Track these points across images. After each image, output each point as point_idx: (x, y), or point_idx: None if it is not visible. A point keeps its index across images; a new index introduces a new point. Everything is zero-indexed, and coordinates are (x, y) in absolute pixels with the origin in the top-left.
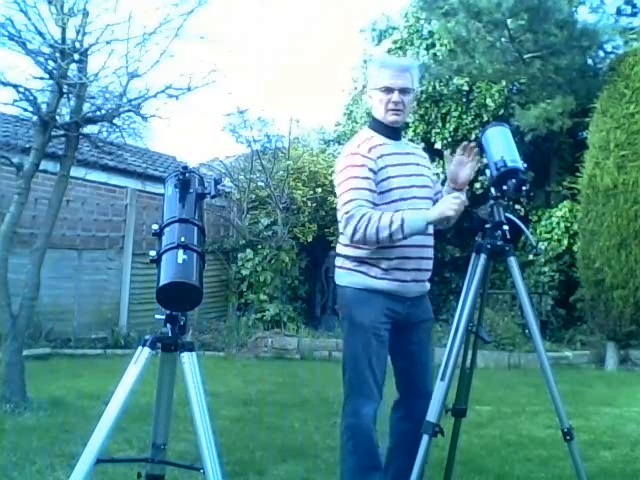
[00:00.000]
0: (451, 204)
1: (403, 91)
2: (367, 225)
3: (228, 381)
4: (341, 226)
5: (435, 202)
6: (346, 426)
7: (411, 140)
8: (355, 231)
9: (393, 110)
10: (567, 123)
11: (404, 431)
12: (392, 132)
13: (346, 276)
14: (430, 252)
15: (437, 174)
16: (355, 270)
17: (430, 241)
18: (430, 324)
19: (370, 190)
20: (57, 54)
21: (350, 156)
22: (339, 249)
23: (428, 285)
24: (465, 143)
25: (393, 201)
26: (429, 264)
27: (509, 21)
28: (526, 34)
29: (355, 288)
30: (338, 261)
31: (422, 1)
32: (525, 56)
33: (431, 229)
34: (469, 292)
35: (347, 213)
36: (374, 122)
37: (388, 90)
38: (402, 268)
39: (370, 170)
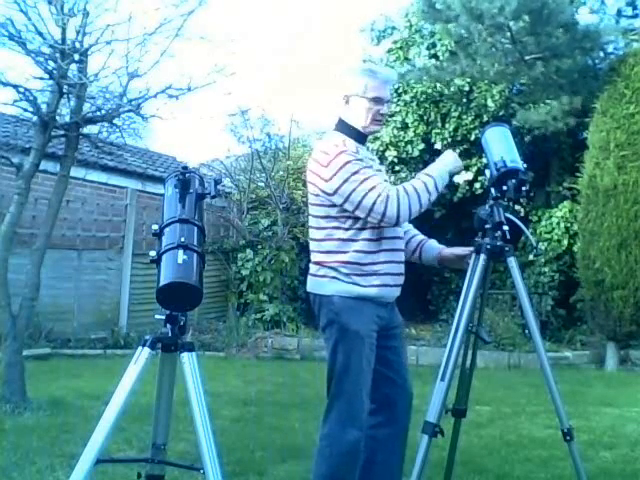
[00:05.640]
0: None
1: (388, 103)
2: (408, 197)
3: (228, 381)
4: (375, 214)
5: None
6: (328, 434)
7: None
8: (399, 208)
9: (379, 121)
10: (570, 122)
11: (383, 437)
12: (363, 138)
13: (330, 285)
14: (404, 257)
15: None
16: (342, 280)
17: (403, 245)
18: (402, 329)
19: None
20: (57, 54)
21: (342, 155)
22: (319, 258)
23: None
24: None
25: None
26: (404, 268)
27: (511, 23)
28: (528, 36)
29: (343, 296)
30: (319, 271)
31: (422, 11)
32: (527, 57)
33: (402, 233)
34: (469, 292)
35: (379, 197)
36: (345, 127)
37: (378, 101)
38: (390, 272)
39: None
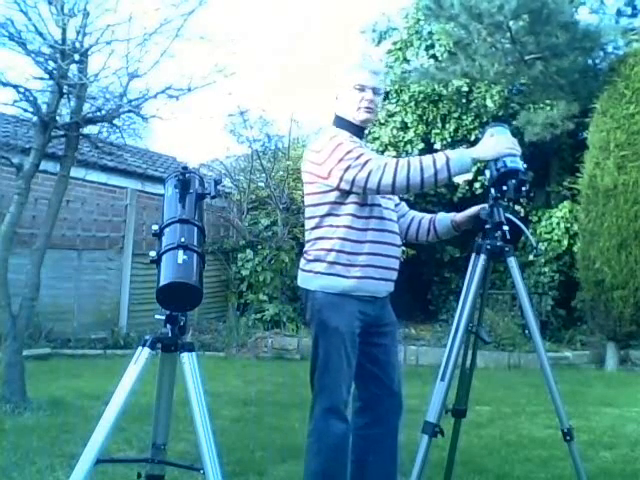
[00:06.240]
0: (508, 143)
1: (375, 91)
2: (408, 169)
3: (228, 381)
4: (371, 184)
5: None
6: (314, 429)
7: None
8: (395, 175)
9: (366, 108)
10: (569, 126)
11: (373, 437)
12: (358, 131)
13: (315, 280)
14: (398, 252)
15: None
16: (327, 273)
17: (399, 241)
18: (396, 327)
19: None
20: (57, 54)
21: (334, 139)
22: (307, 247)
23: (393, 286)
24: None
25: (375, 204)
26: (396, 263)
27: (511, 22)
28: (528, 36)
29: (326, 292)
30: (306, 265)
31: (427, 7)
32: (526, 57)
33: (396, 228)
34: (469, 292)
35: (375, 167)
36: (339, 121)
37: (362, 88)
38: (374, 265)
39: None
